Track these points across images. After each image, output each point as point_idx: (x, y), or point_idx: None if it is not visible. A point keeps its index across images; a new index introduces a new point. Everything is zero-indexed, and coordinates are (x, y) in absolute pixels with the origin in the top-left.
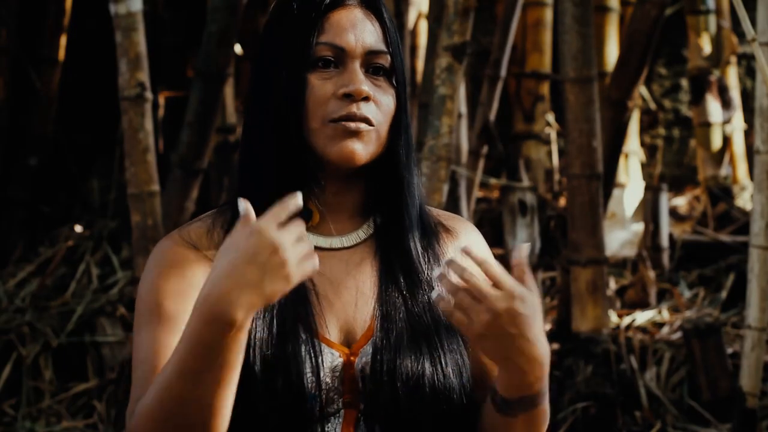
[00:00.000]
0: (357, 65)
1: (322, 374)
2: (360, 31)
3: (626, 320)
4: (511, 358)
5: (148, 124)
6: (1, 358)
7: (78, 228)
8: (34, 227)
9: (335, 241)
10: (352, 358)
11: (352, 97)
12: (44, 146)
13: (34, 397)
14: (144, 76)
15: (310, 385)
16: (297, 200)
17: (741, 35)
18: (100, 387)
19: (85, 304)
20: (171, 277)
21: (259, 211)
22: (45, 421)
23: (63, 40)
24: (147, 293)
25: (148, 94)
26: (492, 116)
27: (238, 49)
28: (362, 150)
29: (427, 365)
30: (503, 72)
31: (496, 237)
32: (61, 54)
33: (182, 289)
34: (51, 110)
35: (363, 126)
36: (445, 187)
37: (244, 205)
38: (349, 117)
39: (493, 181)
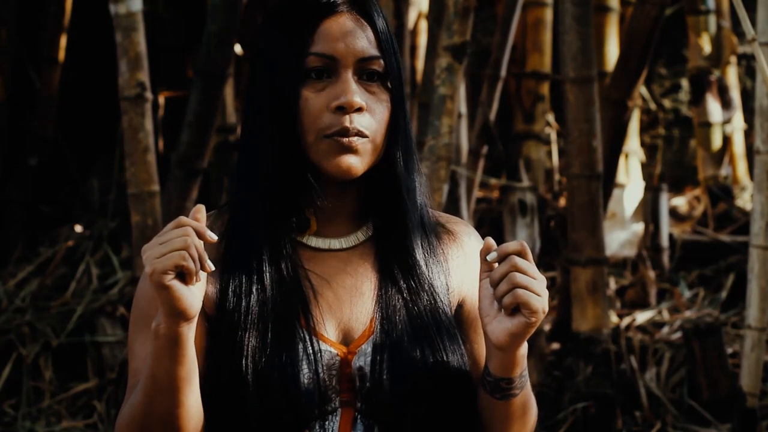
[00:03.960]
0: (349, 74)
1: (320, 371)
2: (351, 39)
3: (626, 320)
4: (523, 337)
5: (148, 124)
6: (1, 358)
7: (78, 228)
8: (34, 227)
9: (334, 243)
10: (349, 356)
11: (344, 110)
12: (44, 146)
13: (34, 397)
14: (144, 76)
15: (307, 382)
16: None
17: (741, 35)
18: (100, 387)
19: (85, 304)
20: None
21: (257, 217)
22: (45, 421)
23: (63, 40)
24: (142, 300)
25: (148, 94)
26: (492, 116)
27: (238, 49)
28: (358, 163)
29: (427, 366)
30: (503, 72)
31: (496, 237)
32: (61, 54)
33: None
34: (51, 110)
35: (357, 140)
36: (445, 187)
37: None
38: (342, 132)
39: (493, 181)
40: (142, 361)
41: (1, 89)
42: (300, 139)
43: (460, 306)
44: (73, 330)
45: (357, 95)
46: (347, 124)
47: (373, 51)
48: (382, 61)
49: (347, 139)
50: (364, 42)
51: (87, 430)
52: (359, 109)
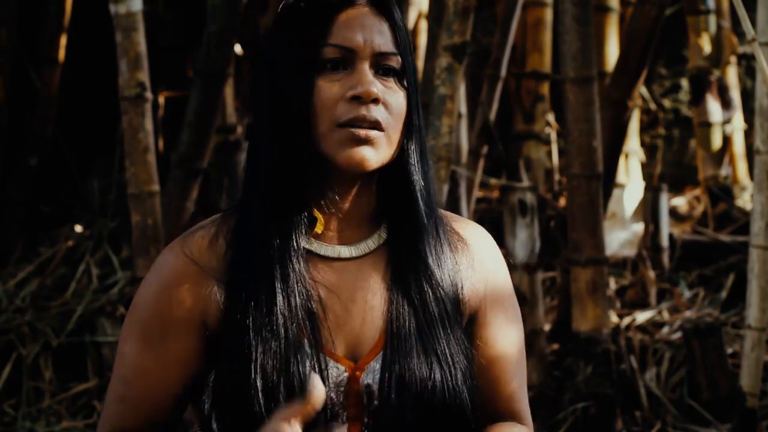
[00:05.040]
0: (366, 66)
1: (327, 389)
2: (369, 32)
3: (626, 320)
4: None
5: (148, 124)
6: (1, 358)
7: (78, 228)
8: (34, 227)
9: (344, 251)
10: (357, 372)
11: (361, 100)
12: (44, 146)
13: (34, 397)
14: (144, 76)
15: None
16: (319, 397)
17: (741, 35)
18: (100, 387)
19: (85, 304)
20: (165, 299)
21: (264, 224)
22: (45, 421)
23: (63, 40)
24: (143, 309)
25: (148, 94)
26: (492, 116)
27: (238, 49)
28: (373, 156)
29: (436, 382)
30: (503, 72)
31: (496, 237)
32: (61, 54)
33: (174, 313)
34: (51, 110)
35: (373, 133)
36: (445, 187)
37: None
38: (358, 120)
39: (493, 181)
40: (132, 370)
41: (1, 89)
42: (312, 131)
43: (472, 318)
44: (73, 330)
45: (374, 86)
46: (364, 112)
47: (391, 47)
48: (399, 58)
49: (363, 131)
50: (383, 37)
51: (87, 430)
52: (375, 101)
